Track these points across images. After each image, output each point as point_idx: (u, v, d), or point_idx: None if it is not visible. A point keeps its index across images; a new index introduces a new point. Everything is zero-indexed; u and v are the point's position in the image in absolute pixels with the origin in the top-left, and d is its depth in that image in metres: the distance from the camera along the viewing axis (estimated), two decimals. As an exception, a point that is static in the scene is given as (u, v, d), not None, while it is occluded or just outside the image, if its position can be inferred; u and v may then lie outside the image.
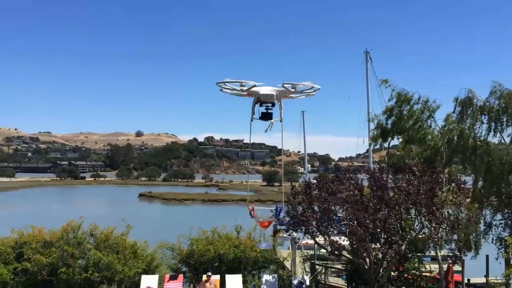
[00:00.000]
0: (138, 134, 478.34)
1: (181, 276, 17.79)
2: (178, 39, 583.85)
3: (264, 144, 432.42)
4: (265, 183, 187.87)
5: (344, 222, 16.58)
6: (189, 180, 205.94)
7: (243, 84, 12.65)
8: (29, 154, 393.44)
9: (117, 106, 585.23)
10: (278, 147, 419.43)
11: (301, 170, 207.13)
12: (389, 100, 21.77)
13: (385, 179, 16.93)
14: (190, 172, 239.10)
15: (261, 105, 12.89)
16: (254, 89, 12.53)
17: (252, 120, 13.16)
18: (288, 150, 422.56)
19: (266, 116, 12.77)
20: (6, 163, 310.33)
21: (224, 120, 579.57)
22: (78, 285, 17.14)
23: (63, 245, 17.29)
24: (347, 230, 16.47)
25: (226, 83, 12.69)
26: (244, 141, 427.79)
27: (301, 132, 57.31)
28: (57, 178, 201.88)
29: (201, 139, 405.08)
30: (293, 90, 12.94)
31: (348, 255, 17.67)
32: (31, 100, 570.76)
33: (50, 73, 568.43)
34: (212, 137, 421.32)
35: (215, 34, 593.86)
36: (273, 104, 12.79)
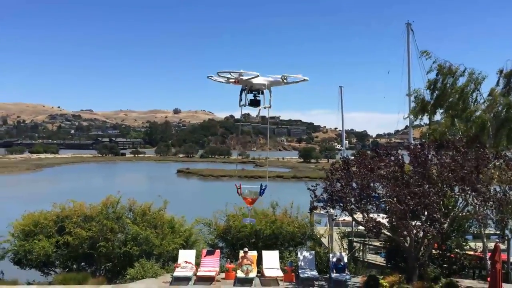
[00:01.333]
0: (176, 111, 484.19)
1: (218, 251, 17.82)
2: (220, 17, 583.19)
3: (301, 120, 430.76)
4: (301, 160, 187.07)
5: (383, 199, 16.14)
6: (226, 157, 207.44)
7: (241, 74, 13.18)
8: (72, 131, 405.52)
9: (155, 84, 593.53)
10: (315, 124, 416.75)
11: (338, 146, 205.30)
12: (428, 72, 20.81)
13: (427, 155, 16.29)
14: (226, 149, 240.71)
15: (249, 93, 13.51)
16: (246, 78, 13.23)
17: (240, 106, 13.71)
18: (325, 126, 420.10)
19: (255, 103, 13.49)
20: (50, 140, 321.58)
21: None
22: (118, 259, 17.41)
23: (103, 219, 17.54)
24: (387, 207, 16.03)
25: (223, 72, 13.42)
26: (281, 118, 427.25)
27: (338, 108, 56.12)
28: (99, 155, 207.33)
29: (237, 116, 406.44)
30: (284, 81, 13.69)
31: (387, 233, 17.25)
32: (73, 79, 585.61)
33: (91, 55, 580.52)
34: (248, 114, 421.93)
35: (261, 11, 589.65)
36: (262, 92, 13.47)
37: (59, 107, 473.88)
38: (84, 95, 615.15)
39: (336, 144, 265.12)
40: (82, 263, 17.84)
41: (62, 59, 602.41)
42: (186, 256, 17.08)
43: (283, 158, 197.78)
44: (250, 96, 13.60)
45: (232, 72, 13.27)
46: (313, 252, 17.73)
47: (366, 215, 16.00)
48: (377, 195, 16.31)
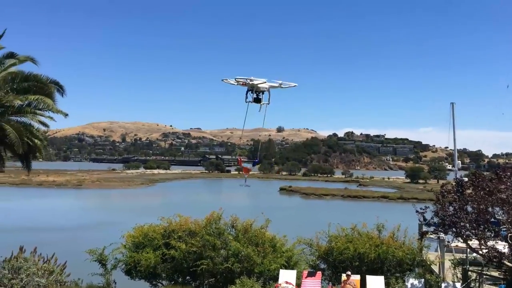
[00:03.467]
0: (279, 130, 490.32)
1: (319, 273, 17.24)
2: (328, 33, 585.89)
3: (407, 139, 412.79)
4: (408, 180, 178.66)
5: (504, 226, 14.53)
6: (328, 176, 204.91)
7: (252, 79, 16.76)
8: (182, 148, 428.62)
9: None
10: (423, 142, 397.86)
11: (449, 167, 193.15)
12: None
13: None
14: (329, 167, 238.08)
15: (253, 92, 17.08)
16: (255, 82, 16.82)
17: (246, 102, 17.30)
18: (434, 145, 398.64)
19: (257, 100, 17.19)
20: (163, 157, 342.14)
21: (364, 115, 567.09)
22: (220, 274, 17.54)
23: (206, 235, 17.83)
24: (509, 234, 14.40)
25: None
26: (386, 137, 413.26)
27: (450, 126, 52.56)
28: (206, 171, 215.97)
29: (340, 134, 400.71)
30: (281, 86, 17.46)
31: (509, 263, 15.49)
32: (184, 100, 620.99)
33: (198, 79, 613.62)
34: (352, 132, 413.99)
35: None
36: (263, 92, 17.13)
37: (171, 126, 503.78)
38: (193, 114, 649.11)
39: (447, 164, 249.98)
40: (187, 277, 18.23)
41: (175, 83, 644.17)
42: (287, 276, 16.74)
43: (388, 178, 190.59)
44: (253, 95, 17.15)
45: (247, 78, 16.83)
46: (423, 280, 16.44)
47: (484, 243, 14.49)
48: (496, 221, 14.76)
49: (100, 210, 78.51)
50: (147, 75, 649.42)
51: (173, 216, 19.12)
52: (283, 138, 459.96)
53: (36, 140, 18.87)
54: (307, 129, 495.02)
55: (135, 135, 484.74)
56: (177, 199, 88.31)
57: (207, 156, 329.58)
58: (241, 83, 16.92)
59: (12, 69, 19.07)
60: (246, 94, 17.32)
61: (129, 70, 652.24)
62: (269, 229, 18.90)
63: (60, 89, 19.14)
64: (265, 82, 16.92)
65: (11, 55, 18.94)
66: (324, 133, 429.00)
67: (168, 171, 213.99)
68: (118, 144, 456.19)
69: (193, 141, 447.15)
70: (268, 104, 17.48)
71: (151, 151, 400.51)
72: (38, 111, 18.91)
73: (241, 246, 17.52)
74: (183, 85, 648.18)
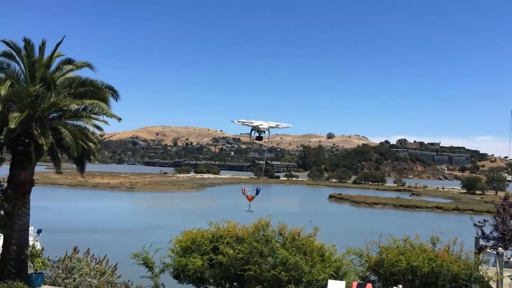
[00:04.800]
0: (330, 136, 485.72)
1: (369, 285, 16.71)
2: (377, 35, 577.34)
3: (464, 148, 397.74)
4: (464, 191, 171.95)
5: None
6: (379, 184, 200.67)
7: (252, 122, 20.86)
8: (232, 153, 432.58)
9: (310, 109, 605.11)
10: (481, 152, 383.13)
11: (509, 177, 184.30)
12: None
13: None
14: (381, 175, 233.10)
15: (255, 132, 20.93)
16: (255, 124, 20.81)
17: (250, 140, 21.89)
18: (493, 155, 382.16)
19: (259, 138, 20.98)
20: (213, 161, 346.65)
21: (418, 122, 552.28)
22: (267, 282, 17.37)
23: (253, 241, 17.73)
24: None
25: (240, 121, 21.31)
26: (441, 145, 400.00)
27: (510, 135, 49.99)
28: (255, 176, 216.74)
29: (393, 141, 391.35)
30: (278, 126, 21.75)
31: None
32: (235, 106, 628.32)
33: (246, 84, 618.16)
34: (405, 140, 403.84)
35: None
36: (264, 132, 20.84)
37: (221, 131, 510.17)
38: (242, 117, 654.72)
39: (507, 174, 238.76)
40: (235, 283, 18.19)
41: (226, 89, 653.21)
42: (335, 287, 16.34)
43: (443, 188, 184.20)
44: (257, 134, 21.02)
45: (247, 121, 21.08)
46: (480, 297, 15.59)
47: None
48: None
49: (150, 213, 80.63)
50: (199, 80, 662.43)
51: (221, 222, 19.16)
52: (333, 144, 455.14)
53: (90, 144, 19.43)
54: (358, 135, 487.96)
55: (187, 139, 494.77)
56: (225, 204, 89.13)
57: (256, 161, 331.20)
58: (245, 124, 21.17)
59: (70, 74, 19.80)
60: (251, 132, 21.42)
61: (183, 75, 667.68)
62: (318, 238, 18.56)
63: (115, 94, 19.69)
64: (262, 124, 20.79)
65: (68, 61, 19.65)
66: (375, 140, 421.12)
67: (217, 176, 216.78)
68: (170, 148, 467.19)
69: (243, 146, 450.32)
70: (268, 141, 21.94)
71: (201, 156, 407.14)
72: (93, 115, 19.49)
73: (289, 254, 17.30)
74: (235, 91, 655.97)
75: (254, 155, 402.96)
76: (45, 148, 17.69)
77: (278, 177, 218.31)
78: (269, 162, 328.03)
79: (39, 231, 28.73)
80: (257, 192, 22.61)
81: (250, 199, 22.31)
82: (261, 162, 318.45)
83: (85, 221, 62.08)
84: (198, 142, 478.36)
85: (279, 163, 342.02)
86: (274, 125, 21.08)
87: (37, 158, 18.92)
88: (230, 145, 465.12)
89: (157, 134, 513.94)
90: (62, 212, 70.39)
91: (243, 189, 22.42)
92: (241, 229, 18.68)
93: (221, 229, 18.85)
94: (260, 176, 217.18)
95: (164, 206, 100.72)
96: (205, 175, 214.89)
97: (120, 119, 20.07)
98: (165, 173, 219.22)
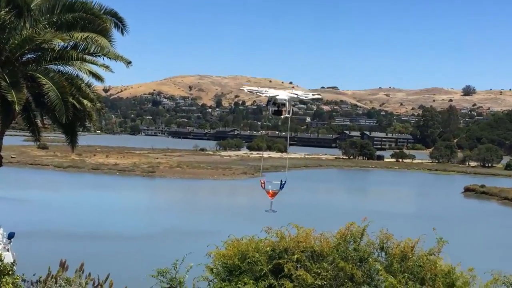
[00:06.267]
0: (467, 92, 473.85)
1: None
2: None
3: None
4: None
5: None
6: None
7: (265, 91, 23.86)
8: (308, 119, 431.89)
9: (435, 55, 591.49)
10: None
11: None
12: None
13: None
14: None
15: (273, 104, 23.47)
16: (272, 95, 23.61)
17: (268, 116, 32.42)
18: None
19: (278, 113, 23.65)
20: (277, 132, 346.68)
21: None
22: (363, 323, 17.26)
23: (339, 260, 17.56)
24: None
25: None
26: None
27: None
28: (344, 156, 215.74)
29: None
30: (301, 99, 25.13)
31: None
32: (311, 48, 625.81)
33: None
34: None
35: None
36: (284, 105, 23.33)
37: (291, 83, 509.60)
38: (325, 66, 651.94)
39: None
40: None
41: (297, 23, 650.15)
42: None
43: None
44: (274, 107, 23.53)
45: (258, 91, 24.51)
46: None
47: None
48: None
49: (177, 212, 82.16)
50: (257, 7, 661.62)
51: (286, 227, 19.09)
52: (473, 105, 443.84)
53: (85, 101, 19.77)
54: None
55: (236, 96, 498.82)
56: (293, 199, 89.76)
57: (347, 132, 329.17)
58: (258, 94, 24.53)
59: (51, -7, 20.07)
60: (267, 106, 24.17)
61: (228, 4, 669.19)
62: (444, 256, 18.16)
63: (119, 23, 19.89)
64: (278, 95, 23.53)
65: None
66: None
67: (283, 155, 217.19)
68: (209, 110, 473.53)
69: (325, 108, 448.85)
70: (290, 116, 24.15)
71: (259, 123, 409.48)
72: (88, 57, 19.80)
73: (398, 283, 17.05)
74: (308, 26, 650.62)
75: (343, 122, 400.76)
76: (17, 107, 18.13)
77: (381, 157, 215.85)
78: (367, 133, 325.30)
79: (10, 236, 29.90)
80: (282, 186, 24.96)
81: (272, 195, 24.75)
82: (353, 133, 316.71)
83: (79, 222, 63.89)
84: (255, 102, 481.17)
85: (383, 135, 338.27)
86: (296, 97, 24.52)
87: (5, 124, 19.48)
88: (304, 107, 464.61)
89: (190, 88, 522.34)
90: (45, 208, 72.95)
91: (262, 181, 24.60)
92: (319, 239, 18.56)
93: (287, 239, 18.79)
94: (352, 156, 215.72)
95: (199, 201, 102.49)
96: (265, 154, 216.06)
97: (129, 62, 20.35)
98: (202, 149, 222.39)
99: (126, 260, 37.24)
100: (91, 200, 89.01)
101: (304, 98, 25.19)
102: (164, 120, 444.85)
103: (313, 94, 28.37)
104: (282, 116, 24.16)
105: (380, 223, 18.75)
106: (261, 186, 24.78)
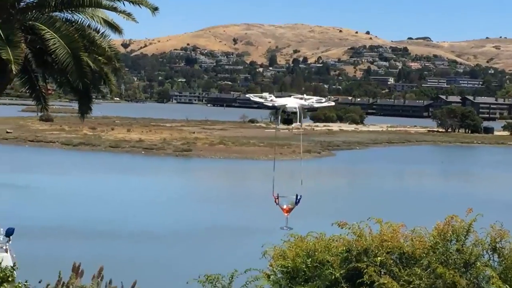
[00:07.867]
0: None
1: None
2: None
3: None
4: None
5: None
6: None
7: (272, 99, 24.88)
8: (391, 80, 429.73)
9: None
10: None
11: None
12: None
13: None
14: None
15: (283, 112, 24.89)
16: (281, 102, 24.91)
17: (277, 125, 28.17)
18: None
19: (288, 122, 25.29)
20: (350, 97, 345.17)
21: None
22: None
23: (435, 263, 17.50)
24: None
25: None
26: None
27: None
28: (439, 128, 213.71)
29: None
30: (313, 106, 26.34)
31: None
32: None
33: None
34: None
35: None
36: (294, 112, 24.52)
37: (368, 33, 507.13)
38: (413, 13, 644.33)
39: None
40: None
41: None
42: None
43: None
44: (284, 116, 25.03)
45: (267, 96, 25.18)
46: None
47: None
48: None
49: (220, 203, 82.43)
50: None
51: (366, 222, 19.05)
52: None
53: (101, 59, 19.92)
54: None
55: (296, 51, 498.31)
56: (374, 185, 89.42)
57: (443, 97, 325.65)
58: (265, 102, 25.42)
59: None
60: (276, 114, 27.70)
61: None
62: None
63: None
64: (287, 104, 24.51)
65: None
66: None
67: (360, 127, 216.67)
68: (260, 70, 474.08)
69: (414, 66, 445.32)
70: (301, 125, 26.80)
71: (326, 86, 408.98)
72: (103, 1, 19.90)
73: (516, 295, 16.92)
74: None
75: (437, 84, 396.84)
76: (13, 67, 18.38)
77: (489, 130, 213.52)
78: (470, 98, 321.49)
79: (8, 233, 30.55)
80: (298, 201, 25.70)
81: (288, 211, 25.19)
82: (452, 98, 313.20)
83: (96, 216, 64.67)
84: (320, 58, 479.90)
85: (492, 100, 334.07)
86: (308, 104, 25.88)
87: (-1, 89, 19.76)
88: (386, 63, 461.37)
89: (235, 41, 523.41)
90: (51, 198, 74.01)
91: (275, 197, 25.13)
92: (410, 238, 18.48)
93: (367, 237, 18.78)
94: (451, 127, 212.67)
95: (249, 188, 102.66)
96: (335, 126, 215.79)
97: (155, 8, 20.50)
98: (252, 120, 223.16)
99: (155, 264, 37.71)
100: (109, 188, 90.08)
101: (316, 105, 27.03)
102: (201, 83, 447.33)
103: (326, 101, 29.83)
104: (293, 125, 26.43)
105: (491, 216, 18.52)
106: (275, 201, 25.04)
